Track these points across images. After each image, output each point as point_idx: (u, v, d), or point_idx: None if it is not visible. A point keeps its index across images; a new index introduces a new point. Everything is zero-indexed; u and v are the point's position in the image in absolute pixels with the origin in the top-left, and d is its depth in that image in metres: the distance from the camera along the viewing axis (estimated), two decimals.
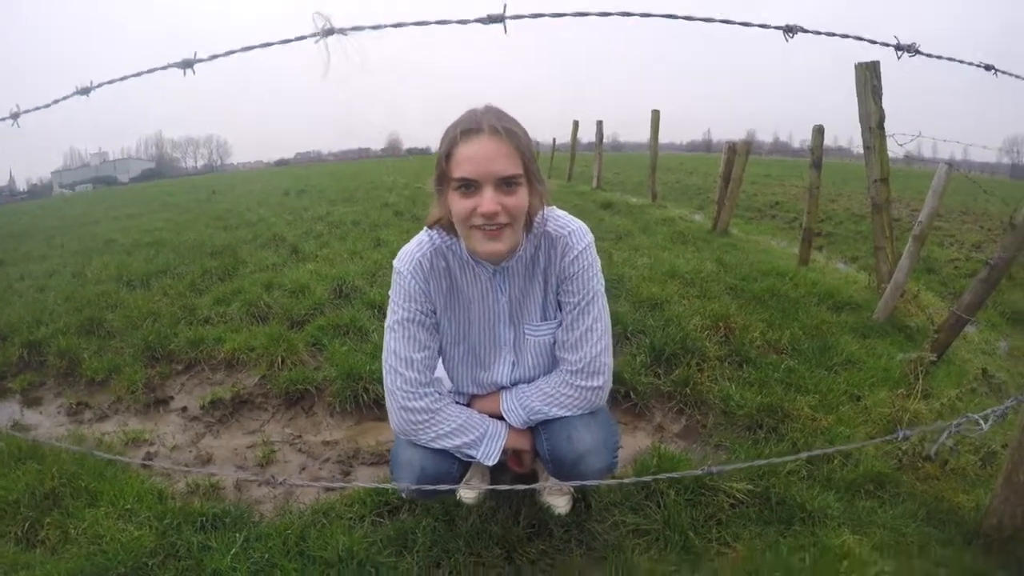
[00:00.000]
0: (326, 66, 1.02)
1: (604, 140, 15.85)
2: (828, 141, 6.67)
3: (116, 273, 6.37)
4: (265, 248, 7.45)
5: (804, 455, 1.66)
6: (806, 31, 1.28)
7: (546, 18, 1.10)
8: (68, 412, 3.61)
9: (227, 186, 25.13)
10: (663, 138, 12.88)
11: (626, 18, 1.15)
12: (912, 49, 1.40)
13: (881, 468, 2.57)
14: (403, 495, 1.46)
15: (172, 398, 3.65)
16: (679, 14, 1.21)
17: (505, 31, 1.10)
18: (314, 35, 1.02)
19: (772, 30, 1.25)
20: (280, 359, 3.74)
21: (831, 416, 3.00)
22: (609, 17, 1.15)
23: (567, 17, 1.10)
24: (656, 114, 12.19)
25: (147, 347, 4.10)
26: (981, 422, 1.66)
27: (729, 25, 1.20)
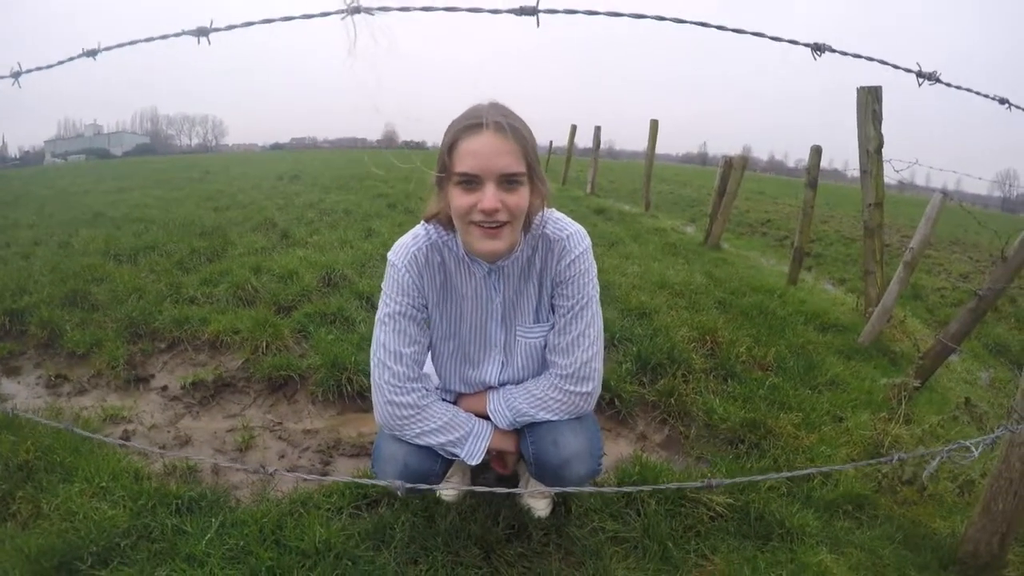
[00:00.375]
0: (352, 45, 1.00)
1: (600, 146, 15.85)
2: (823, 163, 6.69)
3: (103, 246, 6.31)
4: (255, 231, 7.40)
5: (795, 473, 1.66)
6: (834, 51, 1.27)
7: (579, 14, 1.08)
8: (47, 384, 3.56)
9: (220, 167, 24.96)
10: (659, 148, 12.92)
11: (639, 22, 1.13)
12: (933, 77, 1.40)
13: (860, 490, 2.59)
14: (398, 492, 1.46)
15: (153, 376, 3.61)
16: (712, 23, 1.20)
17: (537, 24, 1.08)
18: (339, 12, 1.00)
19: (801, 46, 1.25)
20: (265, 344, 3.71)
21: (813, 435, 3.01)
22: (643, 20, 1.14)
23: (600, 16, 1.09)
24: (655, 124, 12.22)
25: (131, 323, 4.06)
26: (972, 449, 1.67)
27: (760, 38, 1.19)
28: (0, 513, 2.31)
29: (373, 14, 1.01)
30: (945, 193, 4.37)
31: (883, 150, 4.72)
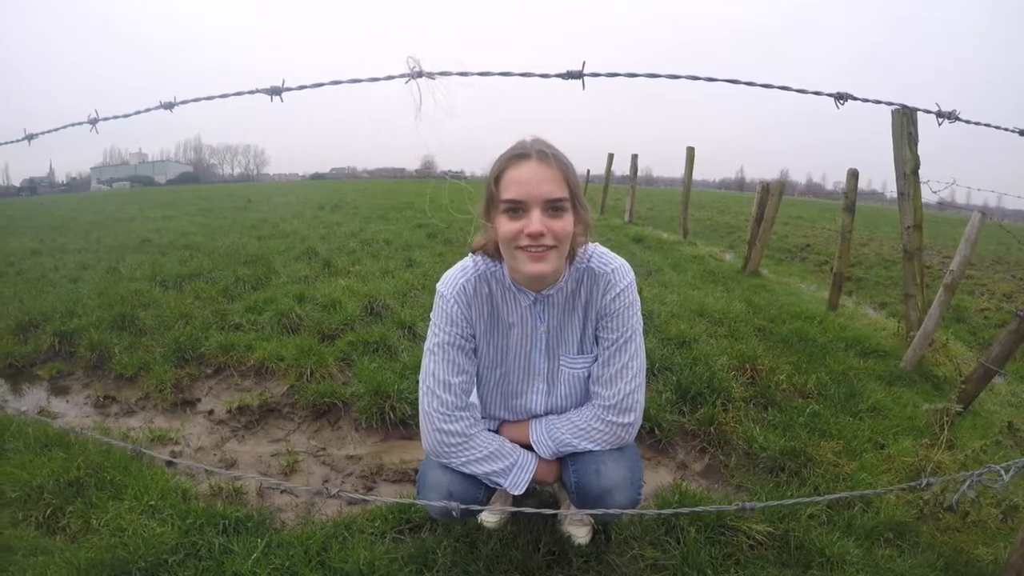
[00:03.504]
0: (417, 108, 1.06)
1: (638, 173, 15.87)
2: (862, 184, 6.63)
3: (150, 272, 6.50)
4: (298, 260, 7.54)
5: (829, 498, 1.66)
6: (855, 98, 1.32)
7: (621, 77, 1.14)
8: (95, 404, 3.68)
9: (262, 196, 25.47)
10: (696, 175, 12.92)
11: (693, 79, 1.19)
12: (953, 116, 1.43)
13: (902, 517, 2.56)
14: (454, 513, 1.50)
15: (199, 400, 3.71)
16: (741, 79, 1.25)
17: (583, 87, 1.14)
18: (403, 76, 1.06)
19: (825, 96, 1.29)
20: (309, 371, 3.78)
21: (854, 463, 2.98)
22: (678, 79, 1.19)
23: (640, 78, 1.14)
24: (691, 151, 12.23)
25: (178, 348, 4.16)
26: (1003, 473, 1.66)
27: (786, 91, 1.23)
28: (50, 526, 2.40)
29: (435, 78, 1.07)
30: (984, 212, 4.32)
31: (920, 170, 4.69)
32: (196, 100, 1.24)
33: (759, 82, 1.28)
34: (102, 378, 4.00)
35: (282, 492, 2.75)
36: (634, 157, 15.46)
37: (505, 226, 1.74)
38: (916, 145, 4.69)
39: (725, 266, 8.97)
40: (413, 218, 12.90)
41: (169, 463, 2.52)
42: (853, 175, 6.59)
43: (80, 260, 7.81)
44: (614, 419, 1.94)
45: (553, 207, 1.71)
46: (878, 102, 1.40)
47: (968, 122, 1.48)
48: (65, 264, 7.56)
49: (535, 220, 1.69)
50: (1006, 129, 1.55)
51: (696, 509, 1.78)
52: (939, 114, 1.42)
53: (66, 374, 4.09)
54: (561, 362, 2.02)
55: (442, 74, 1.07)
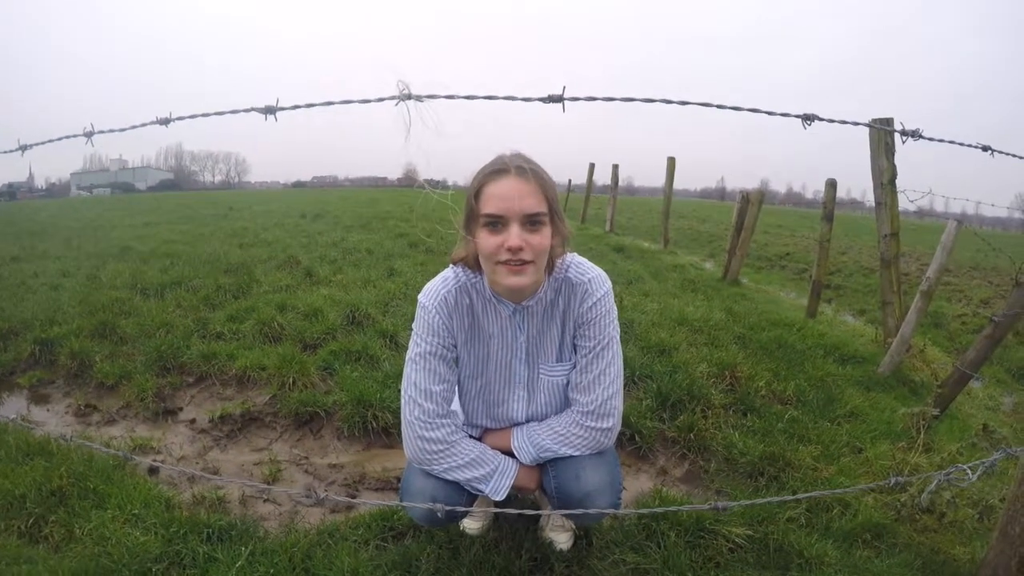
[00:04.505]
0: (407, 129, 1.09)
1: (619, 183, 15.94)
2: (841, 193, 6.75)
3: (131, 280, 6.46)
4: (280, 269, 7.51)
5: (801, 496, 1.69)
6: (821, 119, 1.37)
7: (599, 101, 1.18)
8: (76, 413, 3.66)
9: (244, 204, 25.32)
10: (677, 184, 13.02)
11: (666, 103, 1.23)
12: (916, 134, 1.47)
13: (879, 519, 2.61)
14: (439, 515, 1.53)
15: (181, 409, 3.70)
16: (713, 103, 1.30)
17: (563, 110, 1.19)
18: (393, 98, 1.09)
19: (793, 118, 1.33)
20: (291, 380, 3.79)
21: (832, 467, 3.03)
22: (652, 103, 1.24)
23: (616, 101, 1.18)
24: (672, 161, 12.37)
25: (159, 356, 4.15)
26: (969, 472, 1.70)
27: (755, 114, 1.27)
28: (33, 536, 2.40)
29: (423, 101, 1.11)
30: (960, 221, 4.40)
31: (899, 179, 4.77)
32: (192, 117, 1.26)
33: (728, 105, 1.33)
34: (83, 387, 3.98)
35: (265, 501, 2.76)
36: (615, 167, 15.55)
37: (485, 240, 1.77)
38: (893, 155, 4.77)
39: (705, 275, 9.06)
40: (395, 227, 12.88)
41: (152, 471, 2.51)
42: (831, 185, 6.68)
43: (61, 267, 7.74)
44: (593, 424, 1.97)
45: (532, 221, 1.74)
46: (844, 122, 1.44)
47: (931, 139, 1.52)
48: (45, 271, 7.49)
49: (514, 235, 1.72)
50: (970, 145, 1.60)
51: (670, 508, 1.82)
52: (903, 132, 1.47)
53: (47, 382, 4.06)
54: (541, 370, 2.05)
55: (430, 97, 1.11)
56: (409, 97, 1.10)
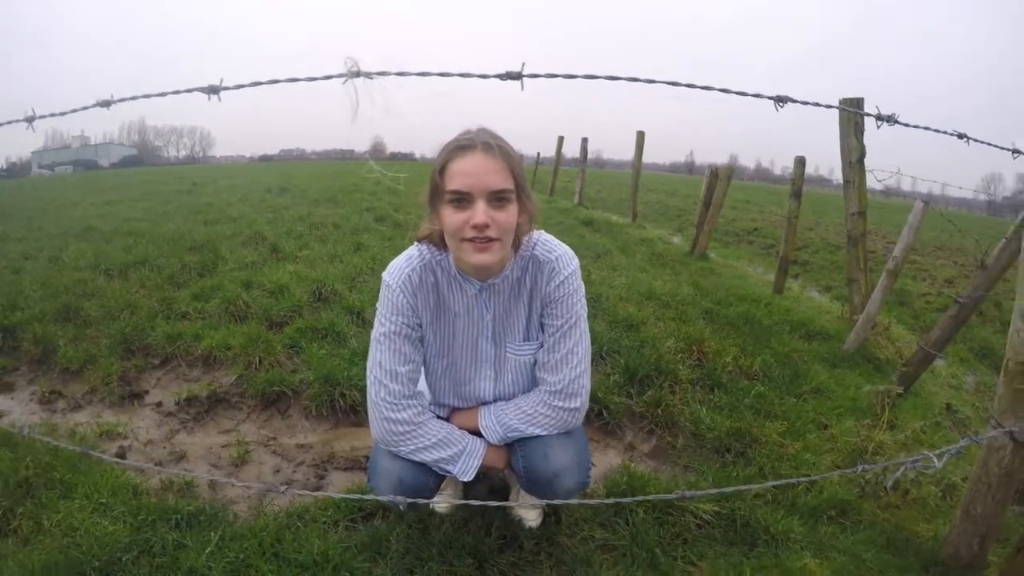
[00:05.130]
0: (354, 108, 1.06)
1: (588, 156, 15.94)
2: (809, 170, 6.80)
3: (94, 261, 6.32)
4: (245, 246, 7.40)
5: (770, 484, 1.72)
6: (795, 101, 1.36)
7: (559, 78, 1.17)
8: (41, 400, 3.58)
9: (208, 179, 24.87)
10: (646, 158, 13.04)
11: (631, 81, 1.22)
12: (892, 120, 1.48)
13: (844, 495, 2.65)
14: (400, 507, 1.53)
15: (147, 392, 3.65)
16: (682, 82, 1.29)
17: (522, 88, 1.17)
18: (341, 76, 1.07)
19: (765, 99, 1.33)
20: (258, 359, 3.76)
21: (798, 443, 3.08)
22: (616, 81, 1.22)
23: (578, 79, 1.17)
24: (641, 135, 12.36)
25: (124, 339, 4.08)
26: (935, 460, 1.74)
27: (726, 94, 1.27)
28: (1, 529, 2.35)
29: (373, 78, 1.08)
30: (926, 201, 4.45)
31: (867, 159, 4.81)
32: (134, 98, 1.23)
33: (699, 84, 1.32)
34: (47, 373, 3.89)
35: (234, 486, 2.74)
36: (584, 140, 15.53)
37: (450, 217, 1.75)
38: (863, 134, 4.81)
39: (673, 249, 9.10)
40: (361, 201, 12.75)
41: (120, 455, 2.47)
42: (800, 162, 6.74)
43: (22, 250, 7.55)
44: (560, 404, 1.98)
45: (498, 198, 1.73)
46: (817, 104, 1.45)
47: (907, 125, 1.53)
48: (6, 254, 7.31)
49: (480, 212, 1.71)
50: (946, 132, 1.61)
51: (639, 499, 1.84)
52: (878, 117, 1.47)
53: (10, 370, 3.96)
54: (508, 349, 2.05)
55: (380, 74, 1.08)
56: (358, 75, 1.08)
